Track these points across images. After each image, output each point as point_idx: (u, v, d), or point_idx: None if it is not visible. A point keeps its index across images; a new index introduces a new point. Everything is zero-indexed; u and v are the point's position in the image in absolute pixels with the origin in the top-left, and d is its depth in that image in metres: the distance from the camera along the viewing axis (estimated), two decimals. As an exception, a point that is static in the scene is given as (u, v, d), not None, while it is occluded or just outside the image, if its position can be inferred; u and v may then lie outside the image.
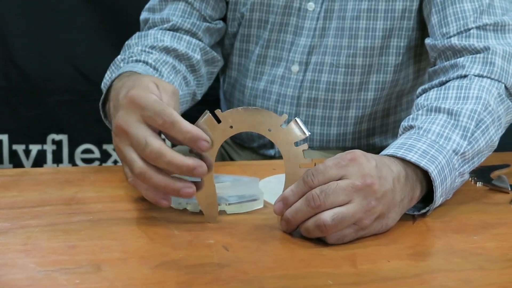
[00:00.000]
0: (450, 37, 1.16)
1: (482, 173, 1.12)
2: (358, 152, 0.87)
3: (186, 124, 0.86)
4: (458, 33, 1.16)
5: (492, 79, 1.08)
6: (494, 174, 1.13)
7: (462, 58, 1.12)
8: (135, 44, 1.24)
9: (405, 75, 1.31)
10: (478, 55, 1.11)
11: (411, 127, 1.01)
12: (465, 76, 1.10)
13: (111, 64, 1.20)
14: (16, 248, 0.82)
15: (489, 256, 0.84)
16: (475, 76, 1.09)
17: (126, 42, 1.28)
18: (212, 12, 1.31)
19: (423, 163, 0.92)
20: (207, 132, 0.87)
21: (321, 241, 0.85)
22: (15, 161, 1.91)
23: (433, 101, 1.05)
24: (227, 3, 1.33)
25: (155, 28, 1.29)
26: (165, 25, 1.28)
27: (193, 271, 0.77)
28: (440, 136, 0.97)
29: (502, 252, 0.85)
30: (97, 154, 1.93)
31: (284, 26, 1.30)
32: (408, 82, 1.32)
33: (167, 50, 1.22)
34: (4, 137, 1.89)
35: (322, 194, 0.83)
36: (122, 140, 0.89)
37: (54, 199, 0.98)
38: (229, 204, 0.94)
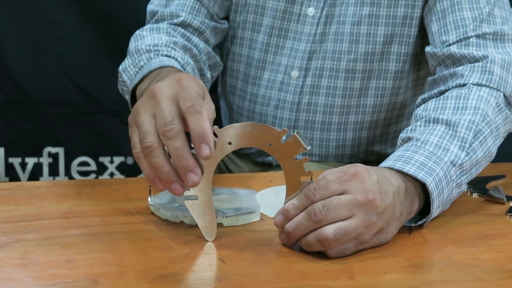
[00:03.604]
0: (450, 45, 1.16)
1: (478, 184, 1.12)
2: (360, 167, 0.87)
3: (205, 121, 0.84)
4: (457, 41, 1.16)
5: (490, 87, 1.09)
6: (490, 185, 1.13)
7: (461, 67, 1.13)
8: (147, 36, 1.23)
9: (406, 83, 1.32)
10: (477, 64, 1.12)
11: (409, 138, 1.02)
12: (464, 85, 1.10)
13: (133, 52, 1.18)
14: (13, 262, 0.82)
15: (486, 267, 0.84)
16: (474, 85, 1.09)
17: (137, 32, 1.27)
18: (218, 10, 1.32)
19: (420, 175, 0.92)
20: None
21: (318, 254, 0.85)
22: (11, 174, 1.91)
23: (432, 112, 1.05)
24: (231, 3, 1.35)
25: (165, 22, 1.29)
26: (174, 20, 1.28)
27: (190, 284, 0.78)
28: (438, 147, 0.97)
29: (498, 263, 0.85)
30: (93, 166, 1.93)
31: (283, 31, 1.30)
32: (408, 90, 1.33)
33: (185, 49, 1.23)
34: (0, 150, 1.89)
35: (324, 209, 0.83)
36: (146, 106, 0.87)
37: (51, 213, 0.98)
38: (226, 216, 0.94)
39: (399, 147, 1.02)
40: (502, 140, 1.10)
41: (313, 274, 0.81)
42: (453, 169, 0.96)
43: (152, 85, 0.90)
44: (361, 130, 1.32)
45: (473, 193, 1.10)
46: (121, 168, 1.94)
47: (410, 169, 0.92)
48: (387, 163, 0.94)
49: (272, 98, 1.32)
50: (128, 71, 1.16)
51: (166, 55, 1.16)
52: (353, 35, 1.26)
